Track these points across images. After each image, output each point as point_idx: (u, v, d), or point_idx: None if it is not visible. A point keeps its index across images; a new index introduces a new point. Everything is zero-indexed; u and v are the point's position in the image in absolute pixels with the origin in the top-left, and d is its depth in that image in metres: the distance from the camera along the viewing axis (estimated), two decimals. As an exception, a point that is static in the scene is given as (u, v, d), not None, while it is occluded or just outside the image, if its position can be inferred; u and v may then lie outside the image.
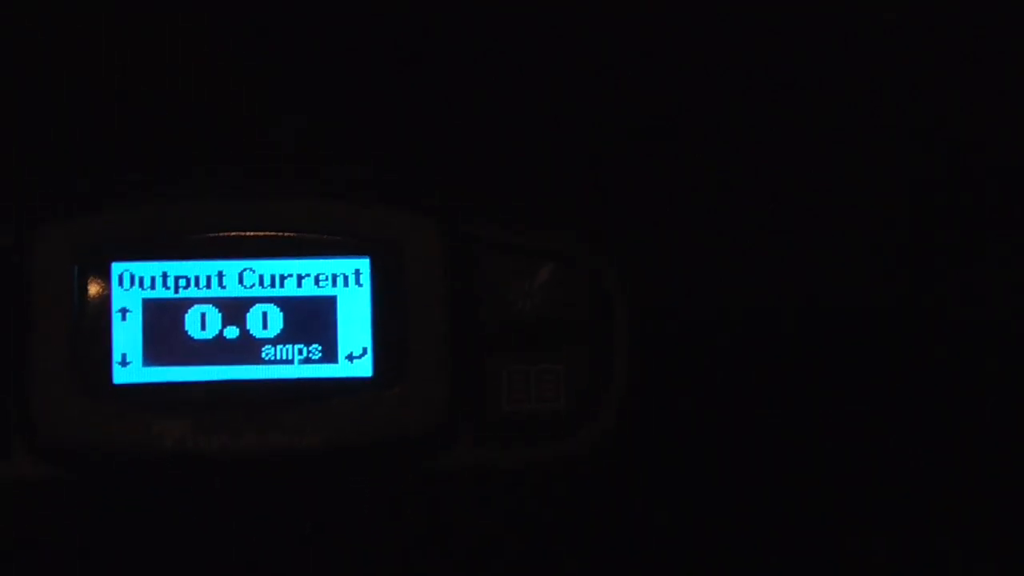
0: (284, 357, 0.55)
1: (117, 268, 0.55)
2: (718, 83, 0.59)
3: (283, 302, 0.55)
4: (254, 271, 0.56)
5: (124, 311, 0.55)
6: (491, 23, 0.57)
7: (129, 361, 0.55)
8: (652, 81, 0.58)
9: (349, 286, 0.56)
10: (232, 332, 0.55)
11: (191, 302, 0.55)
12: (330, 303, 0.56)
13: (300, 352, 0.55)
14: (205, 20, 0.56)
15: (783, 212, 0.59)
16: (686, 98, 0.59)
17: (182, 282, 0.55)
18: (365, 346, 0.56)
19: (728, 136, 0.59)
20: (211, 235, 0.56)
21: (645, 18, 0.58)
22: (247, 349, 0.55)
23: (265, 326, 0.55)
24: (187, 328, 0.55)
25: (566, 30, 0.58)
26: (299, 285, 0.56)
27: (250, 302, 0.55)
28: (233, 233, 0.56)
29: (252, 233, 0.56)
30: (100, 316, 0.55)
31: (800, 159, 0.59)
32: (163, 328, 0.55)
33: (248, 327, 0.55)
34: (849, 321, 0.59)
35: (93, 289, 0.55)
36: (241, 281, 0.55)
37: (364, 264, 0.56)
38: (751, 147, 0.59)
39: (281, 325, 0.55)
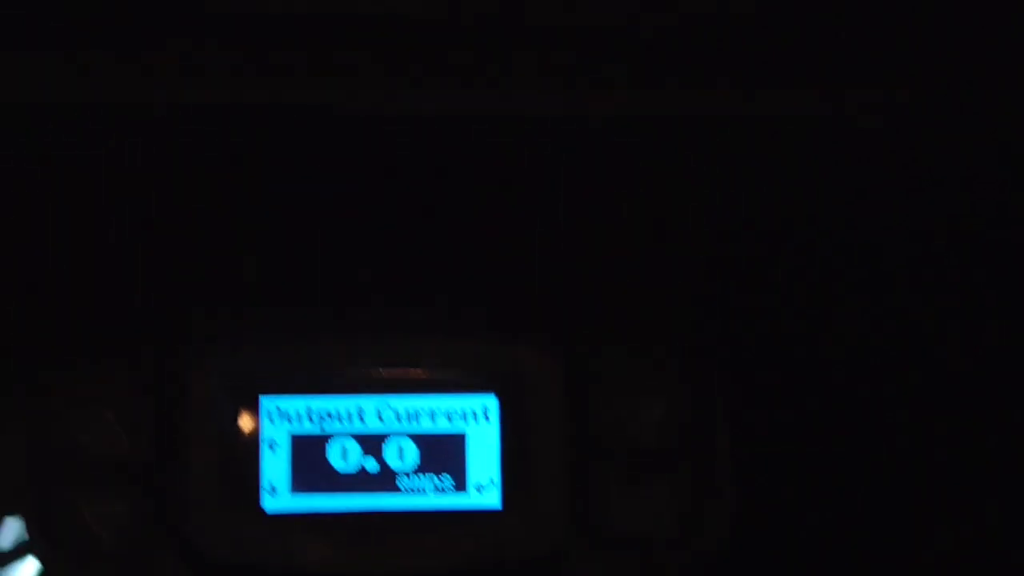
0: (419, 487, 0.60)
1: (266, 402, 0.60)
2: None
3: (418, 437, 0.60)
4: (391, 407, 0.60)
5: (272, 444, 0.60)
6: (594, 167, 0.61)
7: (277, 490, 0.60)
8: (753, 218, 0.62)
9: (478, 422, 0.61)
10: (371, 464, 0.60)
11: (334, 436, 0.60)
12: (460, 439, 0.60)
13: (433, 483, 0.60)
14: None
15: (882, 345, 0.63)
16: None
17: (326, 417, 0.60)
18: (493, 477, 0.61)
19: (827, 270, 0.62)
20: (351, 372, 0.61)
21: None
22: (385, 480, 0.60)
23: (401, 459, 0.60)
24: (330, 460, 0.60)
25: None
26: (432, 421, 0.61)
27: (387, 436, 0.60)
28: (371, 370, 0.61)
29: (388, 371, 0.61)
30: (250, 447, 0.60)
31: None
32: (309, 460, 0.60)
33: (386, 459, 0.60)
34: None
35: (244, 422, 0.60)
36: (379, 417, 0.60)
37: (492, 401, 0.61)
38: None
39: (416, 459, 0.60)
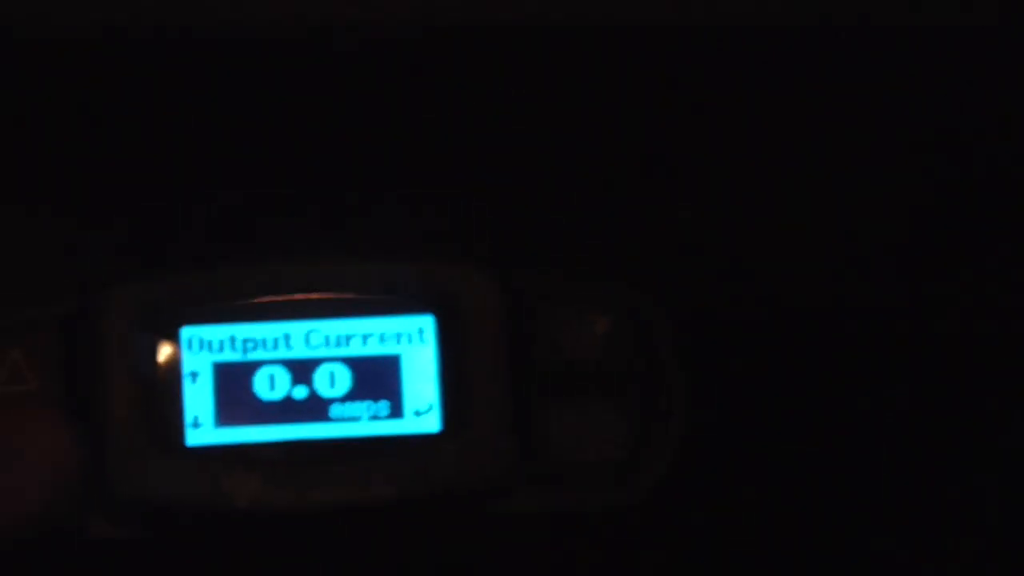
0: (352, 415, 0.57)
1: (186, 332, 0.56)
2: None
3: (350, 361, 0.57)
4: (320, 331, 0.57)
5: (194, 374, 0.56)
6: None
7: (200, 423, 0.56)
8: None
9: (413, 344, 0.57)
10: (301, 392, 0.57)
11: (260, 364, 0.57)
12: (395, 361, 0.57)
13: (368, 409, 0.57)
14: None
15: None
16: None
17: (250, 344, 0.57)
18: (431, 402, 0.57)
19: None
20: (276, 297, 0.57)
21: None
22: (316, 408, 0.57)
23: (333, 385, 0.57)
24: (256, 389, 0.57)
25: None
26: (364, 344, 0.57)
27: (317, 362, 0.57)
28: (298, 295, 0.57)
29: (316, 295, 0.57)
30: (171, 379, 0.56)
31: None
32: (233, 390, 0.56)
33: (316, 386, 0.57)
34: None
35: (163, 353, 0.56)
36: (307, 342, 0.57)
37: (428, 321, 0.58)
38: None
39: (349, 384, 0.57)
